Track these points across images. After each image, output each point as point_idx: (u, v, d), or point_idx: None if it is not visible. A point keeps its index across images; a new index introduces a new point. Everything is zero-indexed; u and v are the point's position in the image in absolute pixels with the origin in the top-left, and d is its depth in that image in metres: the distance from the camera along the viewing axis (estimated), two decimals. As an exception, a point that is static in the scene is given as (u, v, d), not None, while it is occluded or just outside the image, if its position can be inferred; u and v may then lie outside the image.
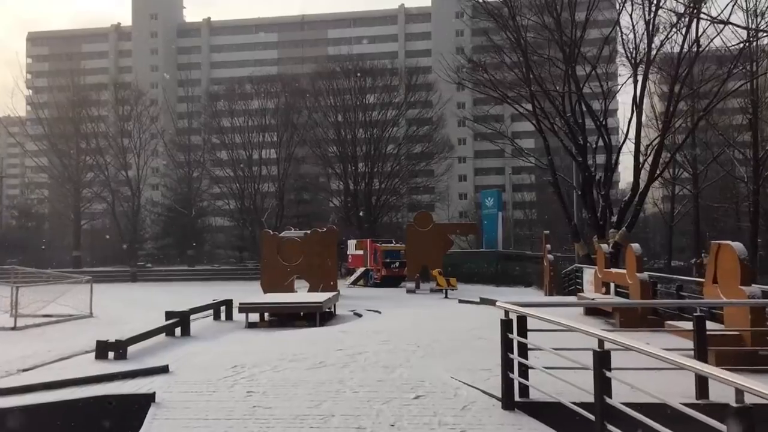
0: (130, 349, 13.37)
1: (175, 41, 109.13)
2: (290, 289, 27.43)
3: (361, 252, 43.60)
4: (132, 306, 28.10)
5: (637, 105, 23.40)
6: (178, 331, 16.72)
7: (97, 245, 70.38)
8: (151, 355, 13.03)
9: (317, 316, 18.64)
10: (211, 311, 20.90)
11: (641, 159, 24.00)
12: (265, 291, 26.64)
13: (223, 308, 21.14)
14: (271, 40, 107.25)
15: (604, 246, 17.16)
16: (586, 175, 24.71)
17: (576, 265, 25.28)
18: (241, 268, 56.47)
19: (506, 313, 7.43)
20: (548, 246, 26.75)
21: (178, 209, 64.36)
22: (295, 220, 58.12)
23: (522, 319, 7.41)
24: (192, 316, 19.25)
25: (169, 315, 16.90)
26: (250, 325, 18.73)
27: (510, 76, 27.39)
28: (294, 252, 28.04)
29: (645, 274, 13.81)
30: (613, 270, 16.24)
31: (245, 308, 18.93)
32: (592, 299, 15.51)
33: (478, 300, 23.39)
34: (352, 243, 46.26)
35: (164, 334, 16.13)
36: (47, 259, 60.73)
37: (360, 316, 21.10)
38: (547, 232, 28.36)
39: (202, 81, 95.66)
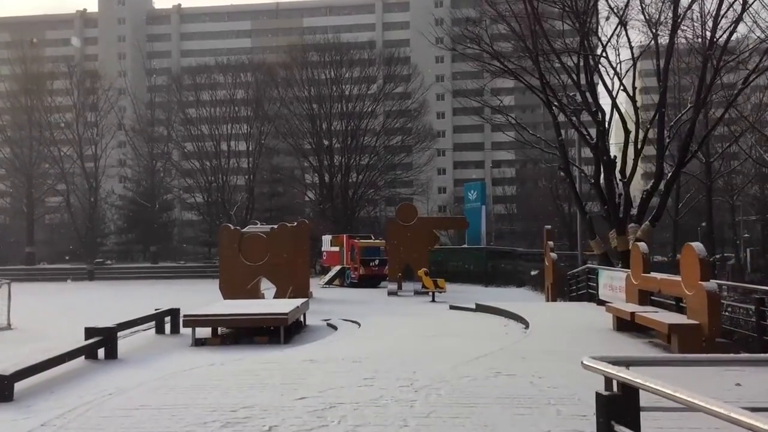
0: (23, 384, 9.89)
1: (144, 28, 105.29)
2: (254, 293, 23.71)
3: (336, 249, 40.39)
4: (69, 313, 24.03)
5: (661, 75, 19.93)
6: (102, 352, 13.21)
7: (55, 241, 66.78)
8: (47, 397, 9.60)
9: (281, 332, 15.12)
10: (153, 322, 17.42)
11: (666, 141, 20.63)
12: (225, 296, 22.99)
13: (168, 319, 17.58)
14: (244, 28, 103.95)
15: (642, 244, 13.64)
16: (604, 159, 21.16)
17: (588, 265, 21.85)
18: (209, 265, 53.30)
19: (608, 381, 3.90)
20: (550, 243, 23.27)
21: (140, 202, 60.64)
22: (267, 214, 55.07)
23: (630, 392, 3.92)
24: (127, 331, 15.76)
25: (89, 332, 13.34)
26: (198, 342, 15.13)
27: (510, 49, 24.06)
28: (258, 250, 24.29)
29: (713, 283, 10.32)
30: (658, 275, 12.60)
31: (191, 322, 15.28)
32: (631, 312, 12.09)
33: (474, 307, 20.00)
34: (327, 239, 42.90)
35: (83, 357, 12.66)
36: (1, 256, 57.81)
37: (335, 328, 17.58)
38: (549, 227, 24.94)
39: (172, 70, 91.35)
